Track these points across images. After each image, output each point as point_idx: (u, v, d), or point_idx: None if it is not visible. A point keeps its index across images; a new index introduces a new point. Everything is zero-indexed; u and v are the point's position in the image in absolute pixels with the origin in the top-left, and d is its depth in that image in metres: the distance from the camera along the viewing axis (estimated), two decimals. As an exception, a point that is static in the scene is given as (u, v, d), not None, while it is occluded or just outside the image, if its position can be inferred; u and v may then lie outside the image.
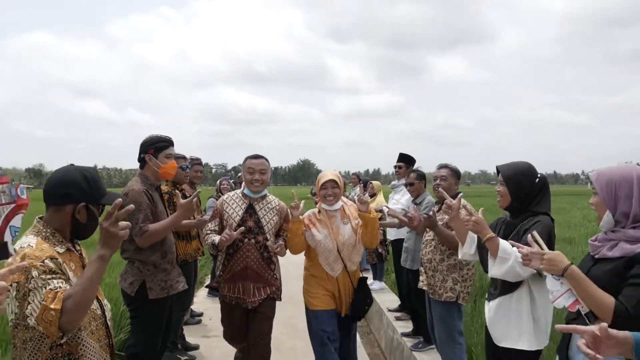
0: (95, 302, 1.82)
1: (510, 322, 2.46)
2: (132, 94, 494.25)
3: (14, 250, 1.55)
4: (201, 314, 5.85)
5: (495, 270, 2.41)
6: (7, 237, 1.36)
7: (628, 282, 1.80)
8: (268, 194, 3.55)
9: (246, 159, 3.48)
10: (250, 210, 3.40)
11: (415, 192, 4.45)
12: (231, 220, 3.35)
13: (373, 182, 7.24)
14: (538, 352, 2.46)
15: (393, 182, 5.76)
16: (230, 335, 3.58)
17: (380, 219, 4.08)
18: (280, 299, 3.54)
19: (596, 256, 1.95)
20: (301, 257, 3.61)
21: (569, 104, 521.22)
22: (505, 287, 2.48)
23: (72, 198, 1.81)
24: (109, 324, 1.91)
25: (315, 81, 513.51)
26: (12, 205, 1.41)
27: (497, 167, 2.63)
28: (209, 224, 3.50)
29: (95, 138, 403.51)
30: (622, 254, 1.84)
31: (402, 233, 5.08)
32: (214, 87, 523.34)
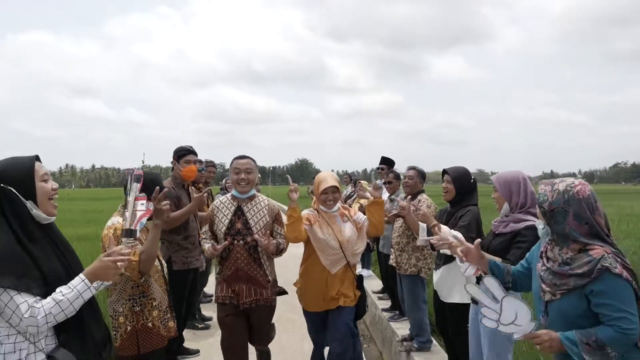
0: (156, 260, 2.72)
1: (454, 284, 3.36)
2: (130, 93, 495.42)
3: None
4: (211, 296, 6.72)
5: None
6: (138, 227, 2.21)
7: (513, 247, 2.71)
8: (257, 194, 3.61)
9: (233, 159, 3.54)
10: (238, 212, 3.44)
11: (392, 189, 5.36)
12: (221, 225, 3.43)
13: (362, 181, 8.15)
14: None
15: (376, 182, 6.66)
16: (227, 337, 3.42)
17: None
18: (274, 303, 3.54)
19: (495, 232, 2.85)
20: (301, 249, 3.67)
21: (567, 103, 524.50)
22: (447, 258, 3.38)
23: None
24: (166, 276, 2.82)
25: (314, 80, 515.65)
26: (145, 212, 2.28)
27: (444, 170, 3.54)
28: (204, 229, 3.61)
29: (93, 137, 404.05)
30: (511, 230, 2.76)
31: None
32: (213, 86, 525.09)
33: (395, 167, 6.14)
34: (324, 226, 3.46)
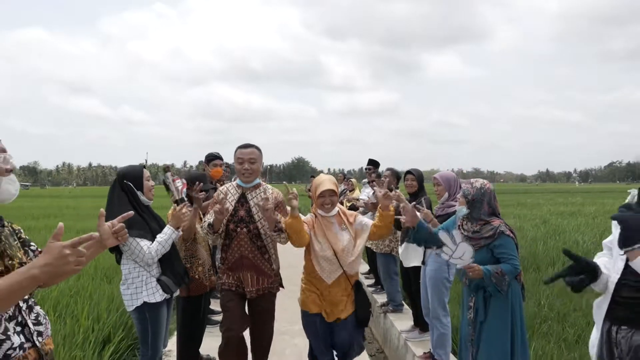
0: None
1: (414, 252, 4.55)
2: (126, 91, 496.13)
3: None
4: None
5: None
6: (183, 194, 3.46)
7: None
8: (262, 183, 3.60)
9: (236, 149, 3.51)
10: (242, 200, 3.48)
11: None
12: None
13: (352, 179, 9.34)
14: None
15: (364, 180, 7.85)
16: (229, 321, 3.40)
17: (356, 207, 6.20)
18: (278, 290, 3.59)
19: (436, 215, 4.05)
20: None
21: (563, 102, 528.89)
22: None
23: None
24: (210, 245, 3.99)
25: (310, 79, 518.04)
26: (182, 186, 3.50)
27: (409, 170, 4.74)
28: (207, 215, 3.58)
29: (90, 135, 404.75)
30: (444, 213, 3.96)
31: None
32: (209, 84, 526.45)
33: (379, 167, 7.34)
34: (320, 234, 3.33)
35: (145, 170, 3.18)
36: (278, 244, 3.55)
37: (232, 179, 3.95)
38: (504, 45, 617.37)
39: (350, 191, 8.81)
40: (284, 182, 3.77)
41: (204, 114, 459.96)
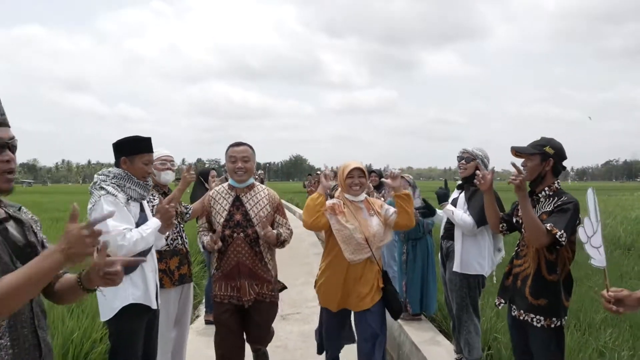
0: None
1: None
2: (123, 89, 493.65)
3: None
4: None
5: None
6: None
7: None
8: (256, 183, 3.41)
9: (228, 147, 3.34)
10: (237, 203, 3.25)
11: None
12: (218, 217, 3.23)
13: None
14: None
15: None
16: (221, 337, 3.23)
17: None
18: (277, 299, 3.36)
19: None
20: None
21: (559, 99, 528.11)
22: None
23: None
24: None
25: (307, 76, 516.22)
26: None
27: (372, 170, 5.38)
28: (200, 221, 3.42)
29: (86, 132, 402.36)
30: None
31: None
32: (206, 81, 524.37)
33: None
34: (350, 217, 3.17)
35: (212, 170, 4.28)
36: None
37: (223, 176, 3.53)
38: (501, 43, 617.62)
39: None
40: (325, 167, 3.44)
41: (201, 111, 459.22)
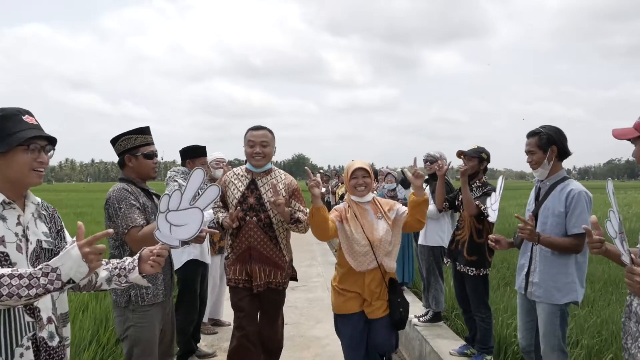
0: None
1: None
2: (126, 87, 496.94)
3: None
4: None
5: None
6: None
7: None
8: (274, 168, 3.35)
9: (247, 130, 3.26)
10: (252, 186, 3.22)
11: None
12: (232, 197, 3.22)
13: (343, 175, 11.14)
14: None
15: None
16: (241, 320, 3.19)
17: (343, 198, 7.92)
18: (286, 286, 3.31)
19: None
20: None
21: (562, 97, 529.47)
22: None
23: None
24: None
25: (310, 74, 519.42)
26: None
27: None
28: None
29: (90, 131, 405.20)
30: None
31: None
32: (209, 80, 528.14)
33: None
34: (353, 221, 3.02)
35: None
36: (293, 233, 3.34)
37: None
38: (505, 41, 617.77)
39: (342, 183, 10.08)
40: (306, 167, 3.37)
41: (204, 109, 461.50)
